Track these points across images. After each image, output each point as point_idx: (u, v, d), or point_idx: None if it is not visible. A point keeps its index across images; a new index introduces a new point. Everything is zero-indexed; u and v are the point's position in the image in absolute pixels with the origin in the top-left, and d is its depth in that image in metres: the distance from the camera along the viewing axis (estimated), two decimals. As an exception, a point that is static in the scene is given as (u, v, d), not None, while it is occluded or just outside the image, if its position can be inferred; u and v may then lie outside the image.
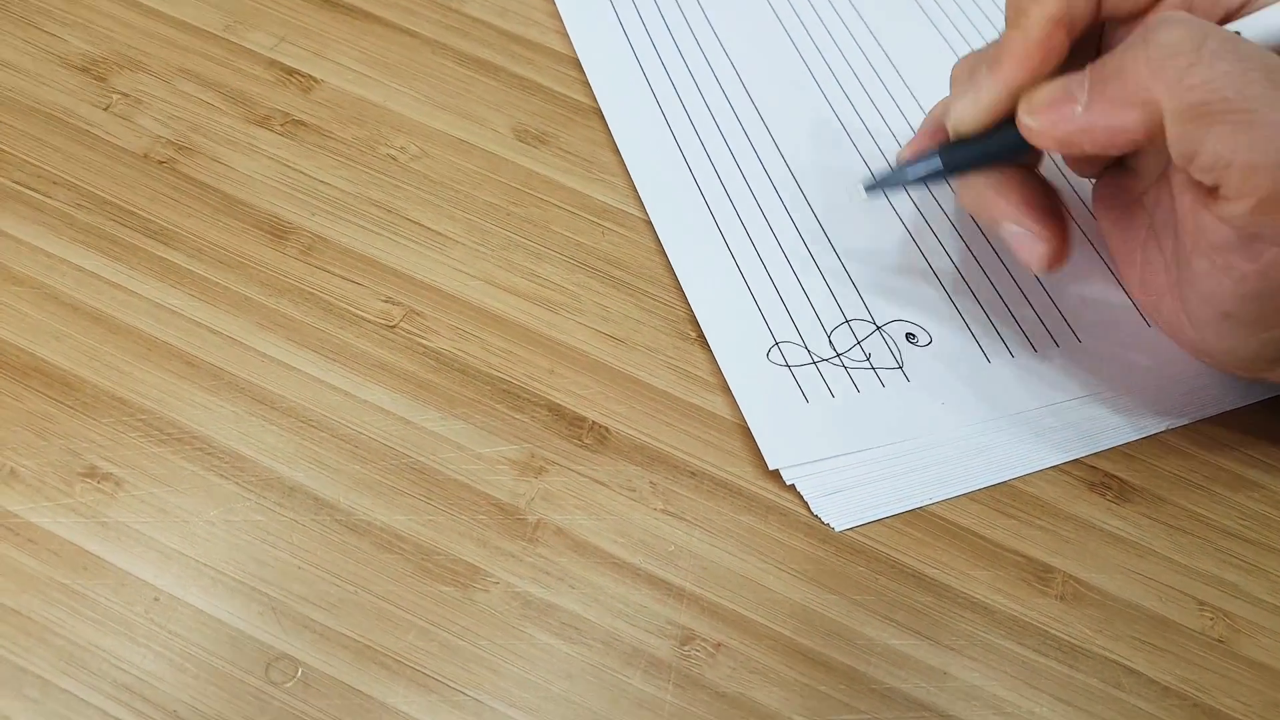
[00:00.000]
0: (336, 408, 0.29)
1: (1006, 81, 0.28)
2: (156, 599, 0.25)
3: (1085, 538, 0.29)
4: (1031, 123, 0.27)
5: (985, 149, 0.29)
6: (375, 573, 0.26)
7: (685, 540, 0.28)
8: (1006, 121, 0.28)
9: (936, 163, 0.30)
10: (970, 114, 0.29)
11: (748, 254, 0.33)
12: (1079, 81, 0.26)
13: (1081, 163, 0.32)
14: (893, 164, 0.31)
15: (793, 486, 0.29)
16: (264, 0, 0.37)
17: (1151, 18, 0.27)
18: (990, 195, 0.30)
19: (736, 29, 0.39)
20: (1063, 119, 0.26)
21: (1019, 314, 0.33)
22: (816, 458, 0.29)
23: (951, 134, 0.30)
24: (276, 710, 0.24)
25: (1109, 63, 0.26)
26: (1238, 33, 0.25)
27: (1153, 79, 0.24)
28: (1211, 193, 0.25)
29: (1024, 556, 0.28)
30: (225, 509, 0.27)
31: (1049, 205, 0.29)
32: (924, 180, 0.31)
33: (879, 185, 0.32)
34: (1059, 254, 0.29)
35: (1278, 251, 0.24)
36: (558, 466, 0.28)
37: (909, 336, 0.32)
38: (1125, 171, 0.30)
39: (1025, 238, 0.29)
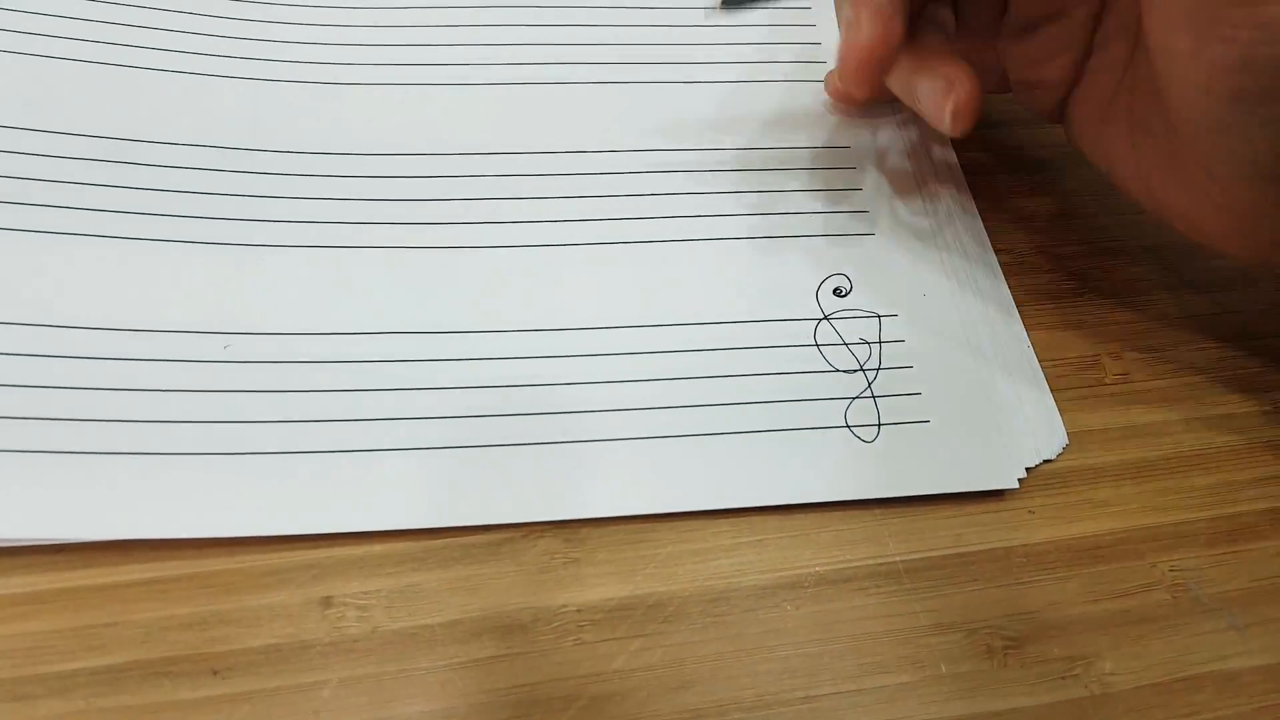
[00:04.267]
0: None
1: None
2: None
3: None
4: None
5: None
6: None
7: None
8: None
9: None
10: None
11: None
12: None
13: (1035, 93, 0.31)
14: None
15: None
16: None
17: None
18: (908, 70, 0.30)
19: None
20: None
21: None
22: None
23: None
24: None
25: None
26: None
27: None
28: None
29: None
30: None
31: (952, 52, 0.29)
32: None
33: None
34: (971, 100, 0.28)
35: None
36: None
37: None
38: (1083, 81, 0.29)
39: (936, 85, 0.29)
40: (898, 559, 0.27)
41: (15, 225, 0.30)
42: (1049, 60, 0.29)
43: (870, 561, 0.27)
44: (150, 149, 0.32)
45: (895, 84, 0.31)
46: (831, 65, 0.36)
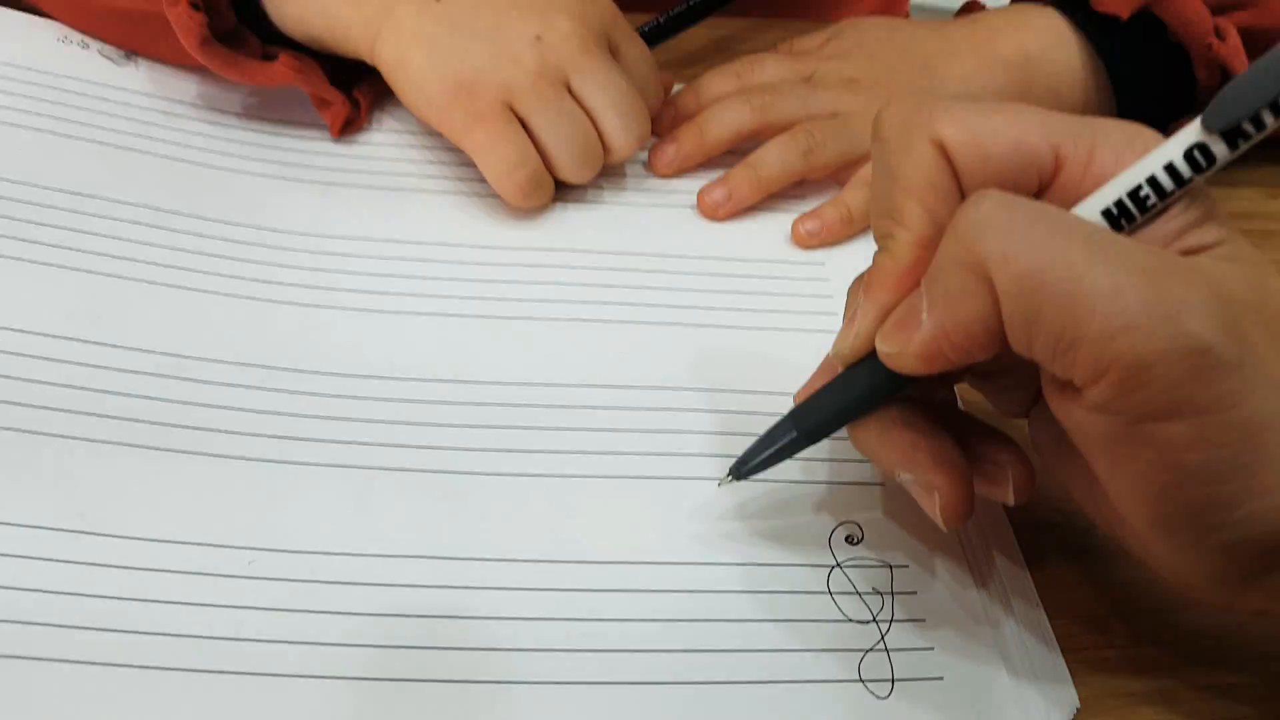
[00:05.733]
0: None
1: (881, 307, 0.27)
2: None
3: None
4: (887, 348, 0.26)
5: (850, 395, 0.28)
6: None
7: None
8: (872, 361, 0.27)
9: (792, 432, 0.29)
10: (850, 343, 0.28)
11: None
12: (919, 294, 0.25)
13: (999, 397, 0.30)
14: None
15: None
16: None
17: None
18: (874, 441, 0.28)
19: None
20: (912, 333, 0.25)
21: None
22: None
23: (838, 363, 0.29)
24: None
25: (935, 260, 0.25)
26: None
27: (975, 258, 0.23)
28: (1070, 385, 0.23)
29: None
30: None
31: (940, 450, 0.28)
32: (790, 450, 0.29)
33: (744, 470, 0.30)
34: (956, 506, 0.27)
35: (1169, 428, 0.22)
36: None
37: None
38: (1039, 407, 0.28)
39: (918, 487, 0.28)
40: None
41: (62, 431, 0.31)
42: (1004, 393, 0.30)
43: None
44: (198, 365, 0.33)
45: (866, 446, 0.29)
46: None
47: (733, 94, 0.44)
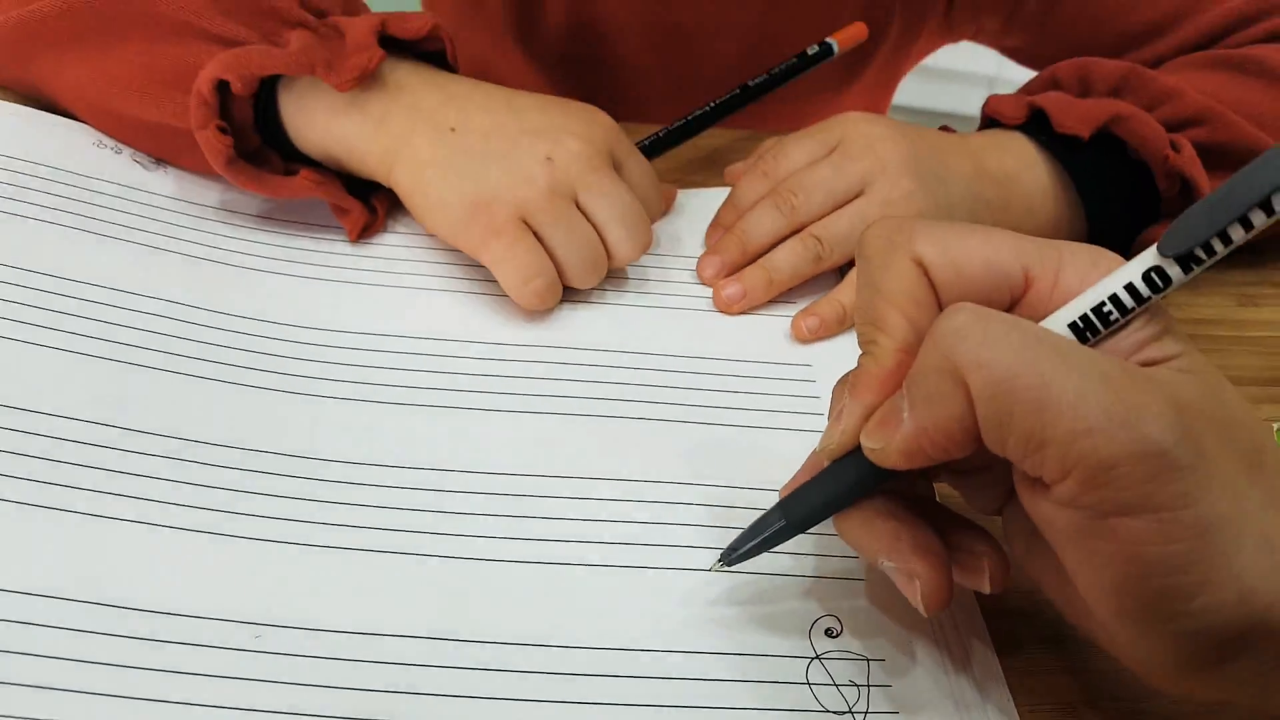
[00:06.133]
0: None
1: (866, 406, 0.29)
2: None
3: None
4: (872, 444, 0.28)
5: (836, 488, 0.30)
6: None
7: None
8: (858, 456, 0.29)
9: (781, 521, 0.31)
10: (836, 439, 0.29)
11: None
12: (901, 395, 0.27)
13: (974, 494, 0.32)
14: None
15: None
16: None
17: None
18: (858, 530, 0.30)
19: None
20: (895, 430, 0.27)
21: None
22: None
23: (824, 458, 0.30)
24: None
25: (916, 365, 0.27)
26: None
27: (952, 365, 0.25)
28: (1039, 482, 0.25)
29: None
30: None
31: (921, 540, 0.29)
32: (779, 539, 0.31)
33: (734, 557, 0.32)
34: (936, 593, 0.29)
35: (1130, 523, 0.24)
36: None
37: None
38: (1012, 504, 0.30)
39: (900, 574, 0.29)
40: None
41: (83, 509, 0.33)
42: (980, 490, 0.31)
43: None
44: (211, 450, 0.35)
45: (851, 535, 0.31)
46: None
47: (765, 199, 0.47)
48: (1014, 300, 0.28)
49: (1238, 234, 0.25)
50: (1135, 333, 0.27)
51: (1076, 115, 0.47)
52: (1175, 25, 0.55)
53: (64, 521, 0.32)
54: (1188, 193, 0.47)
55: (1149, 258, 0.26)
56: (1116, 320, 0.27)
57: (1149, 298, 0.26)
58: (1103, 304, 0.27)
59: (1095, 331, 0.27)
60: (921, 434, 0.27)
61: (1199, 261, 0.26)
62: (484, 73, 0.48)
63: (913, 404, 0.27)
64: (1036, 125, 0.49)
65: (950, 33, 0.67)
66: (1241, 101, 0.48)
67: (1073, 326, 0.27)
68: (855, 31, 0.53)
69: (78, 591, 0.30)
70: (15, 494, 0.32)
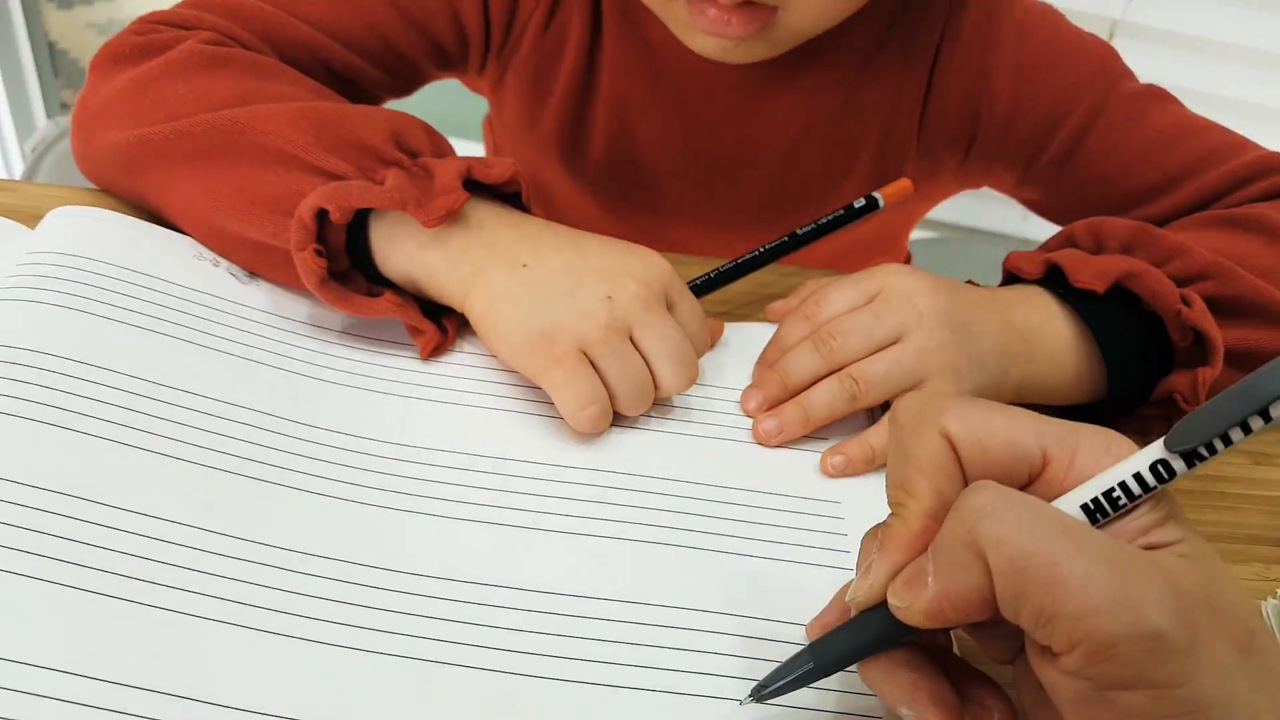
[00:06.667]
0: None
1: (893, 564, 0.32)
2: None
3: None
4: (898, 601, 0.31)
5: (862, 637, 0.33)
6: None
7: None
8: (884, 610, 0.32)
9: (809, 664, 0.33)
10: (865, 593, 0.32)
11: None
12: (927, 558, 0.30)
13: (989, 644, 0.34)
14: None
15: None
16: None
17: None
18: (880, 678, 0.33)
19: None
20: (920, 592, 0.30)
21: None
22: None
23: (852, 608, 0.33)
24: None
25: (941, 535, 0.30)
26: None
27: (974, 539, 0.28)
28: (1048, 650, 0.28)
29: None
30: None
31: (937, 692, 0.32)
32: (807, 680, 0.34)
33: (764, 694, 0.34)
34: None
35: (1129, 696, 0.27)
36: None
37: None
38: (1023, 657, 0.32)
39: None
40: None
41: (171, 606, 0.36)
42: (994, 641, 0.34)
43: None
44: (285, 555, 0.38)
45: (873, 682, 0.33)
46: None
47: (806, 340, 0.50)
48: (1032, 477, 0.31)
49: (1238, 436, 0.28)
50: (1141, 517, 0.30)
51: (1091, 271, 0.49)
52: (1178, 185, 0.59)
53: (149, 618, 0.35)
54: (1201, 344, 0.49)
55: (1156, 450, 0.29)
56: (1124, 504, 0.30)
57: (1154, 487, 0.29)
58: (1112, 489, 0.30)
59: (1105, 514, 0.30)
60: (944, 598, 0.30)
61: (1201, 458, 0.29)
62: (537, 183, 0.52)
63: (937, 570, 0.30)
64: (1054, 280, 0.52)
65: (966, 180, 0.71)
66: (1245, 256, 0.51)
67: (1085, 508, 0.30)
68: (901, 187, 0.57)
69: (158, 684, 0.33)
70: (108, 588, 0.36)
